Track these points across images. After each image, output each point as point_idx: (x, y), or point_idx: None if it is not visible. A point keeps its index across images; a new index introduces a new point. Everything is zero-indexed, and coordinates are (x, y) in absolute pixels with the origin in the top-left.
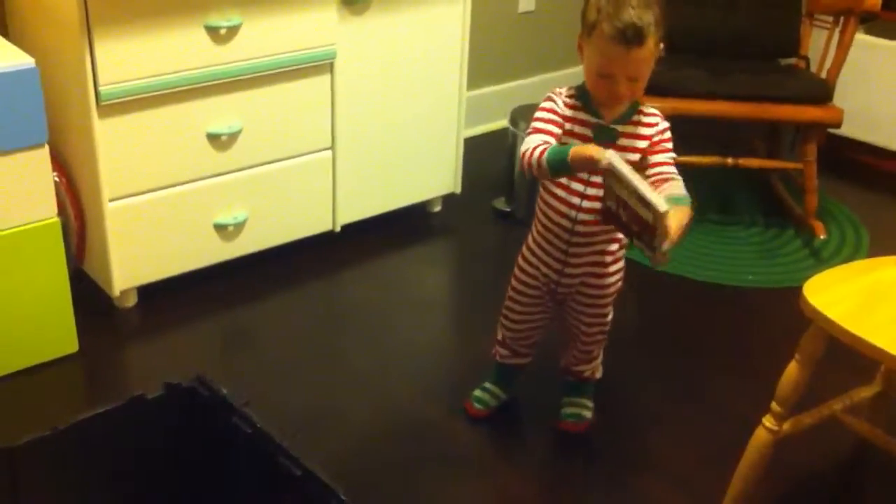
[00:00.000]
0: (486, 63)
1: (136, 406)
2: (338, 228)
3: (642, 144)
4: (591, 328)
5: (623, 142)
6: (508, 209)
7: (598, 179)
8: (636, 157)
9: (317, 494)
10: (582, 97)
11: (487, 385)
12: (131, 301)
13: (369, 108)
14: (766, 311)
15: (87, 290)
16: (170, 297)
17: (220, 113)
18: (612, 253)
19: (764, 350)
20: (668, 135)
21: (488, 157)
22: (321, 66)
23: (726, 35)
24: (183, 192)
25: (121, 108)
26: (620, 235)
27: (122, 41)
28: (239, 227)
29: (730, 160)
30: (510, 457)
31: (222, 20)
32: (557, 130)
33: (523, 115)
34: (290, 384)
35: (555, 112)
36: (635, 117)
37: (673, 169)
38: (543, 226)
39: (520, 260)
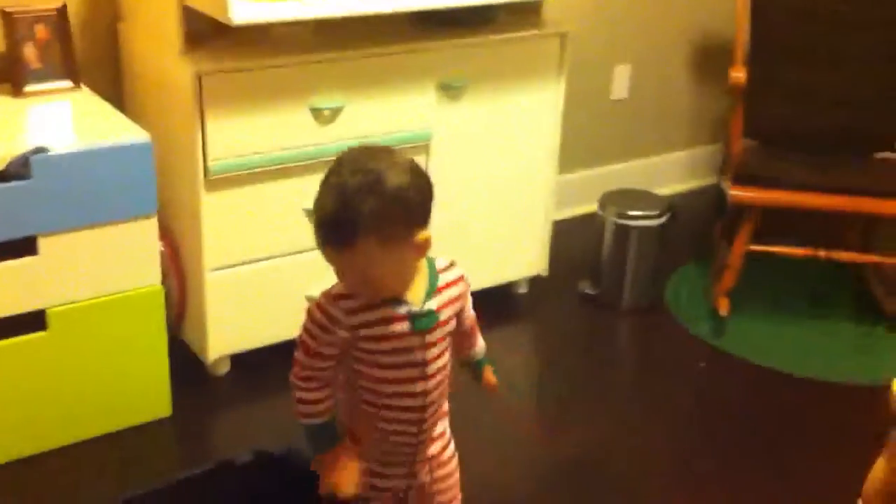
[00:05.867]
0: (577, 147)
1: (224, 470)
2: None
3: (458, 308)
4: None
5: (444, 315)
6: (594, 293)
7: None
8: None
9: None
10: None
11: None
12: (224, 368)
13: (461, 187)
14: (854, 407)
15: (182, 357)
16: (261, 366)
17: (317, 190)
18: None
19: (850, 446)
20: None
21: (576, 241)
22: (417, 147)
23: (827, 129)
24: (278, 265)
25: (226, 182)
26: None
27: (231, 120)
28: None
29: (822, 252)
30: None
31: (327, 102)
32: (335, 352)
33: (613, 201)
34: None
35: (332, 326)
36: (440, 283)
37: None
38: (381, 432)
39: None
